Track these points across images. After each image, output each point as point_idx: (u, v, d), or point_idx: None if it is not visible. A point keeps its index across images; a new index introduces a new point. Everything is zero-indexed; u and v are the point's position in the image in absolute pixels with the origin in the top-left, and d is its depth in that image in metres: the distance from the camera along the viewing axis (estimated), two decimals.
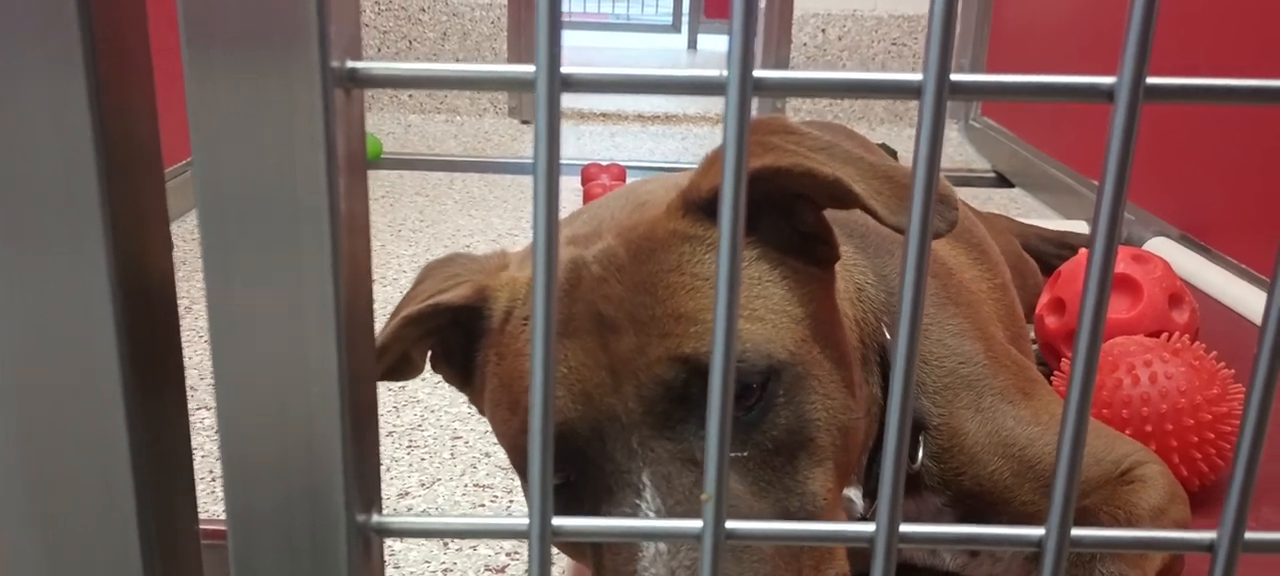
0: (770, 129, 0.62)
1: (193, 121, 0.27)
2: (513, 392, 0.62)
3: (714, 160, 0.63)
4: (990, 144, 2.66)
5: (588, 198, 1.95)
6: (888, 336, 0.73)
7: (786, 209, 0.63)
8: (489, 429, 1.16)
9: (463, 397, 0.71)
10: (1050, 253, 1.51)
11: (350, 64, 0.27)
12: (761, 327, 0.59)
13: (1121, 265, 1.17)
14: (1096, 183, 0.27)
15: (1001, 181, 2.51)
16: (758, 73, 0.26)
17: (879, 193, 0.59)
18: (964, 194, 1.77)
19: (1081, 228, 1.80)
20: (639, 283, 0.59)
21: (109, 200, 0.28)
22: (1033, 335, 1.22)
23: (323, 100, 0.26)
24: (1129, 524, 0.74)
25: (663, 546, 0.54)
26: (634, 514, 0.56)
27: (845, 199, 0.59)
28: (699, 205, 0.61)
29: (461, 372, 0.69)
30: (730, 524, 0.32)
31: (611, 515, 0.57)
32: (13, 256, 0.30)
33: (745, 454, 0.58)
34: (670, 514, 0.55)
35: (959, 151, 2.76)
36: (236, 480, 0.31)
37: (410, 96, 2.99)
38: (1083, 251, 1.33)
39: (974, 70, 2.79)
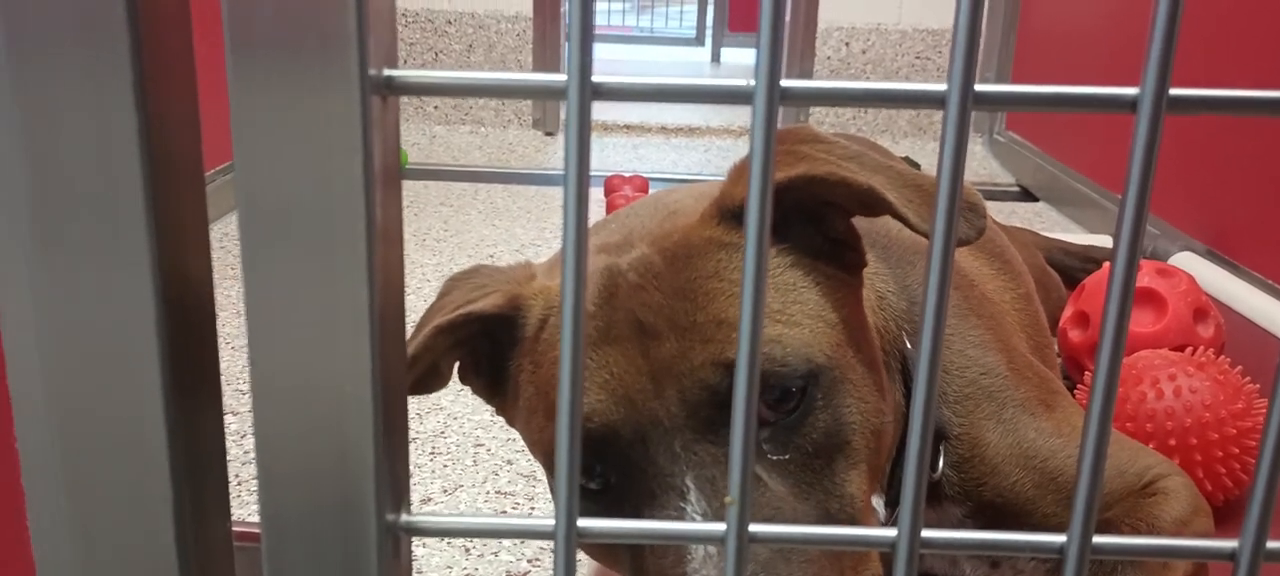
0: (800, 138, 0.63)
1: (236, 129, 0.28)
2: (550, 400, 0.63)
3: (745, 168, 0.63)
4: (1015, 158, 2.65)
5: (611, 209, 1.96)
6: (909, 345, 0.73)
7: (816, 216, 0.64)
8: (511, 436, 1.17)
9: (485, 405, 0.72)
10: (1075, 266, 1.51)
11: (387, 72, 0.28)
12: (799, 332, 0.60)
13: (1146, 279, 1.17)
14: (1121, 196, 0.28)
15: (1026, 195, 2.50)
16: (784, 82, 0.27)
17: (910, 201, 0.60)
18: (989, 207, 1.76)
19: (1106, 242, 1.79)
20: (678, 289, 0.60)
21: (153, 207, 0.29)
22: (1057, 348, 1.22)
23: (361, 107, 0.27)
24: (1152, 535, 0.74)
25: (712, 548, 0.55)
26: (679, 516, 0.56)
27: (877, 206, 0.60)
28: (733, 212, 0.62)
29: (490, 384, 0.69)
30: (753, 527, 0.32)
31: (655, 517, 0.57)
32: (56, 261, 0.31)
33: (787, 457, 0.59)
34: (715, 516, 0.56)
35: (983, 165, 2.75)
36: (271, 483, 0.32)
37: (435, 108, 3.01)
38: (1107, 265, 1.32)
39: (999, 81, 2.78)
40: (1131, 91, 0.27)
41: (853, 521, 0.60)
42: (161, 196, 0.30)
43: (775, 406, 0.59)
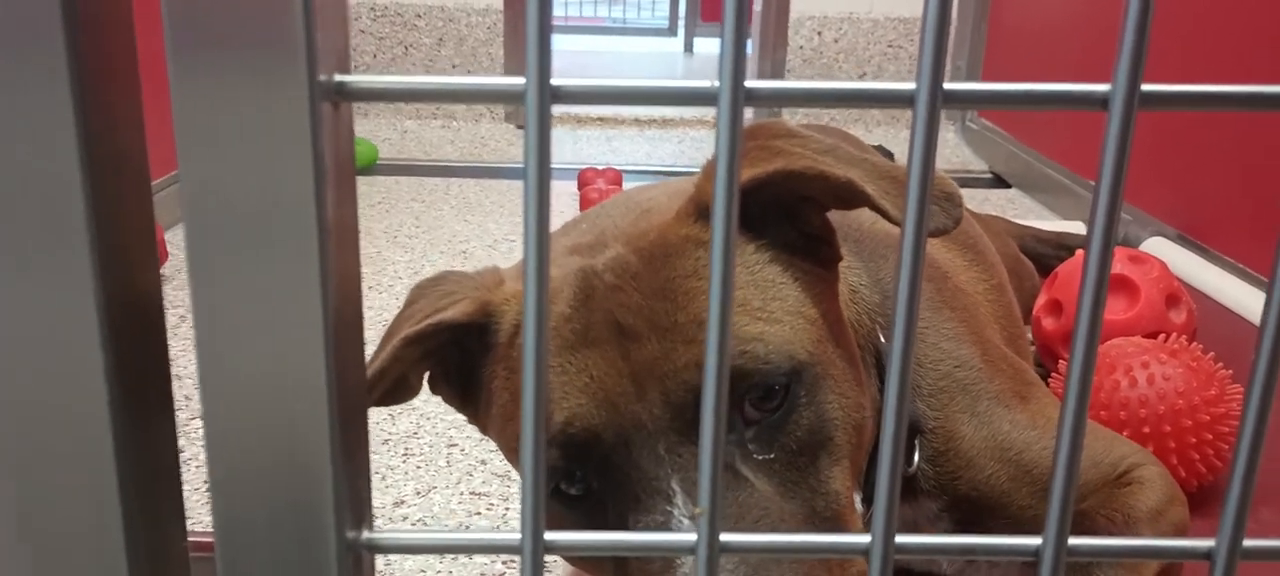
0: (773, 133, 0.62)
1: (179, 134, 0.27)
2: None
3: None
4: (987, 145, 2.66)
5: (584, 202, 1.95)
6: (883, 339, 0.73)
7: (792, 212, 0.64)
8: (485, 437, 1.16)
9: None
10: (1048, 254, 1.51)
11: (338, 77, 0.27)
12: (780, 329, 0.59)
13: (1118, 266, 1.17)
14: (1093, 183, 0.27)
15: (999, 182, 2.51)
16: (750, 83, 0.26)
17: (887, 193, 0.60)
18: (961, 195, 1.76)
19: (1079, 228, 1.80)
20: (656, 289, 0.59)
21: (95, 215, 0.28)
22: (1030, 337, 1.22)
23: (310, 114, 0.26)
24: (1127, 526, 0.74)
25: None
26: (665, 520, 0.56)
27: (855, 199, 0.60)
28: (710, 210, 0.62)
29: (461, 392, 0.68)
30: (724, 536, 0.31)
31: (640, 522, 0.57)
32: None
33: (772, 456, 0.58)
34: None
35: (956, 153, 2.76)
36: (224, 493, 0.31)
37: (406, 102, 2.99)
38: (1080, 252, 1.33)
39: (970, 71, 2.79)
40: (1103, 88, 0.26)
41: (837, 518, 0.59)
42: (104, 203, 0.29)
43: (759, 405, 0.58)
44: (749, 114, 0.34)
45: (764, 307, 0.60)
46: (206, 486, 1.02)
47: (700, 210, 0.62)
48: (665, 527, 0.56)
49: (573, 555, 0.65)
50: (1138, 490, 0.76)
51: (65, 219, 0.28)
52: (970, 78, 2.79)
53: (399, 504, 1.05)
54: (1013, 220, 1.62)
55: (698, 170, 0.66)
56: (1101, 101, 0.26)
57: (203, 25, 0.26)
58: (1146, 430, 0.93)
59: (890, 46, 3.10)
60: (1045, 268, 1.39)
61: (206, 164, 0.27)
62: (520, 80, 0.26)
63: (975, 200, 2.25)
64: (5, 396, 0.31)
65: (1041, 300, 1.22)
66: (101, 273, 0.29)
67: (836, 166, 0.60)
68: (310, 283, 0.28)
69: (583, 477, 0.59)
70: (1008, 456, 0.73)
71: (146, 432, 0.32)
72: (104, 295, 0.29)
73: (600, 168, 2.08)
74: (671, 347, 0.57)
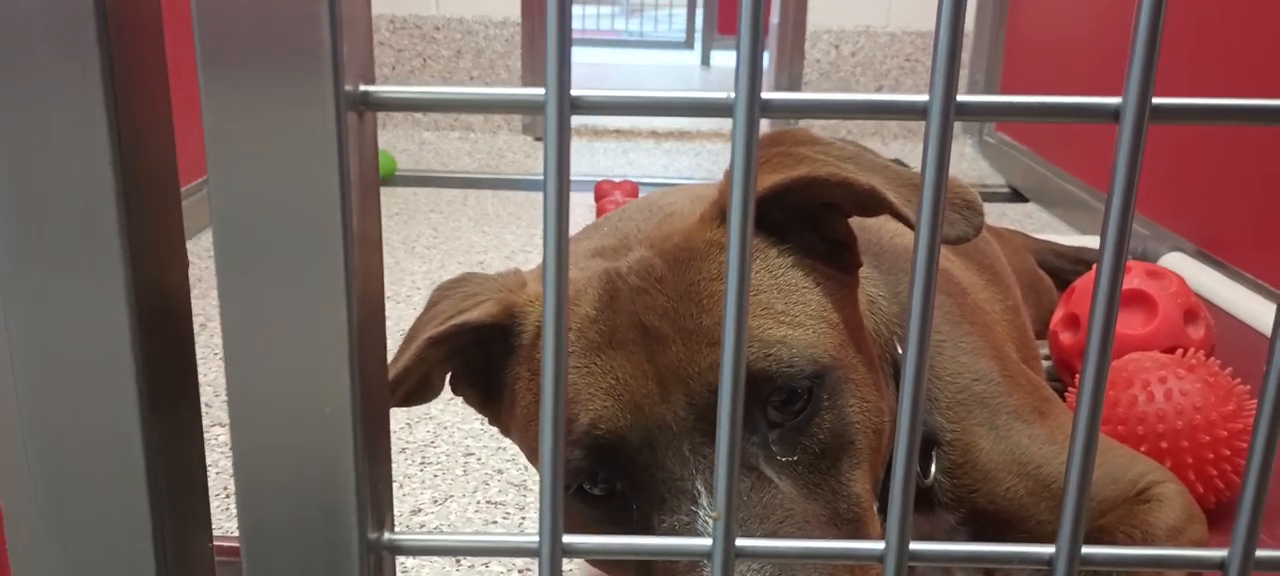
0: (797, 140, 0.63)
1: (209, 143, 0.28)
2: None
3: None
4: (1004, 159, 2.66)
5: (601, 215, 1.96)
6: (900, 350, 0.73)
7: (814, 218, 0.64)
8: (502, 446, 1.17)
9: (475, 414, 0.71)
10: (1065, 268, 1.50)
11: (363, 88, 0.28)
12: (803, 333, 0.60)
13: (1136, 281, 1.17)
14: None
15: (1016, 196, 2.51)
16: (765, 94, 0.27)
17: (909, 200, 0.60)
18: None
19: (1096, 243, 1.79)
20: (682, 292, 0.60)
21: (127, 223, 0.29)
22: (1047, 352, 1.21)
23: (336, 124, 0.27)
24: (1145, 543, 0.73)
25: None
26: (691, 521, 0.56)
27: (878, 206, 0.61)
28: None
29: (483, 394, 0.69)
30: (739, 542, 0.32)
31: (665, 522, 0.57)
32: (33, 278, 0.30)
33: (795, 458, 0.59)
34: None
35: (973, 166, 2.76)
36: (250, 497, 0.32)
37: (424, 114, 3.01)
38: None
39: (988, 85, 2.78)
40: (1114, 101, 0.26)
41: (859, 520, 0.60)
42: (136, 211, 0.30)
43: (782, 408, 0.59)
44: (765, 125, 0.34)
45: (787, 311, 0.61)
46: (225, 493, 1.02)
47: (724, 214, 0.63)
48: (690, 528, 0.56)
49: (592, 558, 0.66)
50: (1157, 507, 0.75)
51: (100, 229, 0.29)
52: (988, 91, 2.79)
53: (416, 512, 1.06)
54: (1031, 234, 1.61)
55: (719, 179, 0.67)
56: (1113, 114, 0.27)
57: (233, 37, 0.27)
58: (1164, 445, 0.92)
59: (907, 60, 3.10)
60: (1063, 282, 1.38)
61: (235, 172, 0.28)
62: (540, 91, 0.27)
63: (993, 214, 2.24)
64: (40, 401, 0.32)
65: (1059, 314, 1.21)
66: (134, 281, 0.30)
67: (860, 174, 0.60)
68: (336, 289, 0.28)
69: (606, 478, 0.59)
70: (1026, 470, 0.73)
71: (175, 436, 0.33)
72: (136, 302, 0.30)
73: (617, 180, 2.09)
74: (696, 350, 0.58)
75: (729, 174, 0.66)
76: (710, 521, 0.56)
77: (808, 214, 0.64)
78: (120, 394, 0.31)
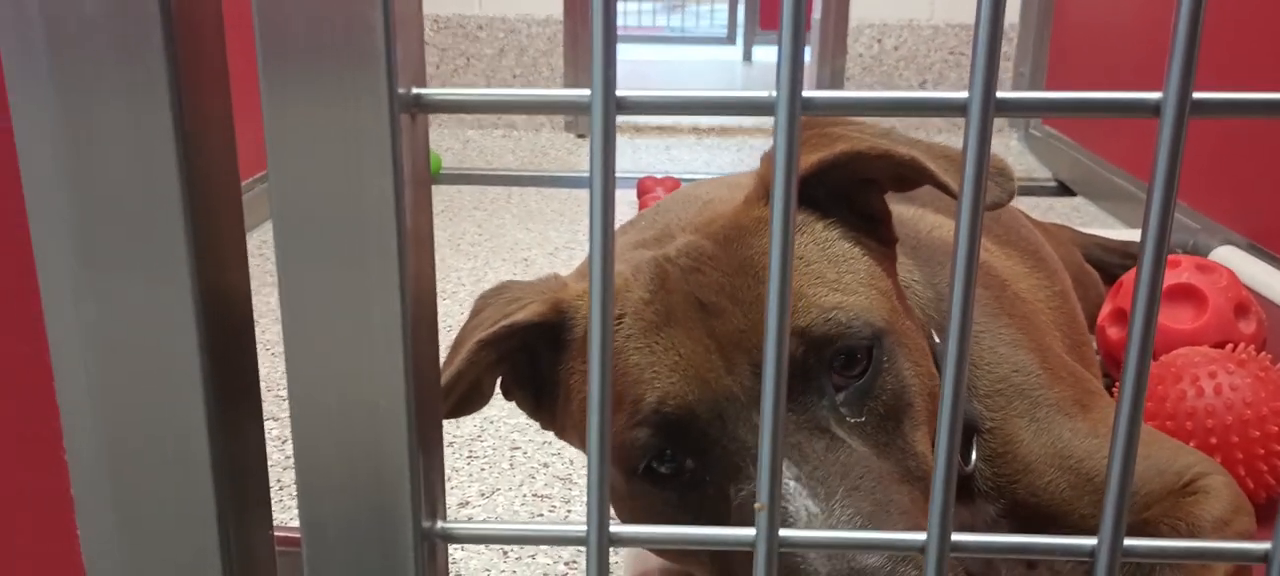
0: (829, 121, 0.65)
1: (270, 143, 0.29)
2: (615, 391, 0.62)
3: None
4: (1051, 153, 2.63)
5: None
6: (936, 339, 0.74)
7: (851, 195, 0.66)
8: (547, 439, 1.18)
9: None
10: (1114, 262, 1.49)
11: (416, 90, 0.29)
12: (857, 298, 0.61)
13: (1186, 275, 1.15)
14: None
15: (1063, 190, 2.48)
16: (806, 93, 0.27)
17: (948, 170, 0.62)
18: (1025, 203, 1.75)
19: None
20: (736, 267, 0.61)
21: (191, 221, 0.30)
22: (1095, 345, 1.20)
23: (390, 124, 0.28)
24: (1192, 535, 0.73)
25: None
26: None
27: (919, 176, 0.62)
28: None
29: (534, 398, 0.69)
30: (783, 532, 0.32)
31: (743, 491, 0.58)
32: (98, 277, 0.31)
33: (863, 419, 0.60)
34: (809, 480, 0.56)
35: (1020, 160, 2.73)
36: (310, 492, 0.33)
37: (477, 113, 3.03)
38: None
39: (1034, 77, 2.76)
40: (1155, 96, 0.27)
41: (927, 478, 0.60)
42: (199, 210, 0.31)
43: (844, 371, 0.60)
44: None
45: (839, 280, 0.62)
46: (278, 485, 1.05)
47: (769, 193, 0.64)
48: None
49: (649, 546, 0.66)
50: (1203, 499, 0.75)
51: (165, 228, 0.30)
52: (1034, 83, 2.76)
53: (464, 504, 1.07)
54: (1078, 229, 1.60)
55: (758, 166, 0.68)
56: (1153, 109, 0.27)
57: (291, 41, 0.28)
58: (1213, 440, 0.91)
59: (951, 53, 3.07)
60: (1111, 276, 1.37)
61: (294, 171, 0.29)
62: (586, 92, 0.28)
63: (1040, 208, 2.22)
64: (107, 397, 0.33)
65: (1106, 309, 1.20)
66: (198, 278, 0.31)
67: (899, 146, 0.62)
68: (390, 284, 0.29)
69: (674, 456, 0.60)
70: (1068, 464, 0.73)
71: (237, 430, 0.34)
72: (201, 300, 0.31)
73: (659, 177, 2.10)
74: (758, 318, 0.59)
75: (768, 155, 0.67)
76: (790, 483, 0.56)
77: (844, 191, 0.65)
78: (186, 389, 0.32)
